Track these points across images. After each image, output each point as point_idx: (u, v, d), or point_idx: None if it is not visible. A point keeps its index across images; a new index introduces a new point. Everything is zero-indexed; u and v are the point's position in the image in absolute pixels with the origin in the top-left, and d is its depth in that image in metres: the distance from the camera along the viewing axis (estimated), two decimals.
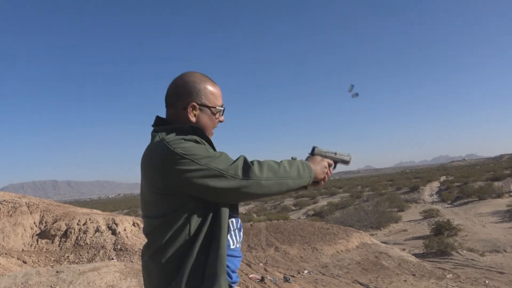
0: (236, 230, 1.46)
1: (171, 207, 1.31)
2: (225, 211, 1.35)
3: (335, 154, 1.67)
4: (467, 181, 37.50)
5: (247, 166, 1.30)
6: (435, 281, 8.48)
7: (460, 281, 8.71)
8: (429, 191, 37.87)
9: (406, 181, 48.88)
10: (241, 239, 1.51)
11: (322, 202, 38.77)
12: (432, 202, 31.60)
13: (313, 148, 1.63)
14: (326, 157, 1.63)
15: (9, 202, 9.44)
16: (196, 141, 1.34)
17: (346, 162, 1.72)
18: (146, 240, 1.44)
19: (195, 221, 1.31)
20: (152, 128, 1.45)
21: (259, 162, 1.34)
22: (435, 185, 41.56)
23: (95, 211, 11.46)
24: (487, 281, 8.88)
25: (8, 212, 8.97)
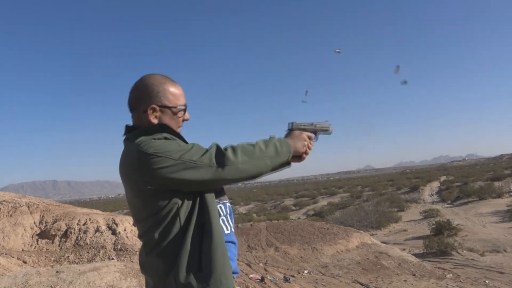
0: (228, 215, 1.48)
1: (158, 205, 1.33)
2: (211, 196, 1.38)
3: (312, 124, 1.65)
4: (467, 181, 37.50)
5: (220, 153, 1.33)
6: (435, 281, 8.48)
7: (460, 281, 8.71)
8: (429, 191, 37.87)
9: (406, 181, 48.88)
10: (233, 224, 1.52)
11: (322, 202, 38.77)
12: (432, 202, 31.60)
13: (290, 124, 1.61)
14: (304, 130, 1.61)
15: (9, 202, 9.44)
16: (166, 138, 1.36)
17: (326, 130, 1.69)
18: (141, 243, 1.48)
19: (184, 211, 1.33)
20: (124, 137, 1.47)
21: (233, 147, 1.36)
22: (435, 185, 41.57)
23: (95, 211, 11.46)
24: (487, 281, 8.88)
25: (8, 212, 8.98)
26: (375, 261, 10.03)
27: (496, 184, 32.26)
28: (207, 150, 1.33)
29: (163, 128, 1.41)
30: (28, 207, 9.40)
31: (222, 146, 1.39)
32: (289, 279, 7.63)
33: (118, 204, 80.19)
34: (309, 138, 1.60)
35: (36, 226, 8.92)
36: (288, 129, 1.61)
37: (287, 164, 1.53)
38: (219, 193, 1.47)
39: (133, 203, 1.40)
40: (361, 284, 7.98)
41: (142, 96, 1.43)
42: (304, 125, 1.62)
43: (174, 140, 1.37)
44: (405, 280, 8.40)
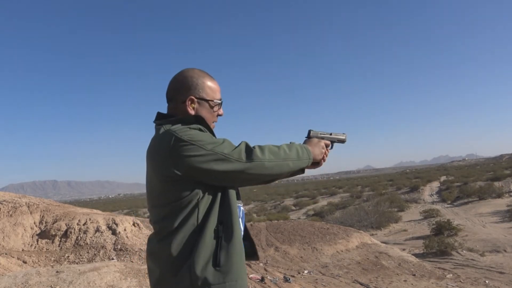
0: (241, 219, 1.51)
1: (180, 194, 1.36)
2: (233, 195, 1.43)
3: (331, 134, 1.76)
4: (467, 181, 37.49)
5: (249, 149, 1.39)
6: (435, 281, 8.48)
7: (460, 281, 8.71)
8: (429, 191, 37.87)
9: (406, 181, 48.86)
10: (243, 227, 1.56)
11: (322, 202, 38.76)
12: (432, 202, 31.60)
13: (309, 131, 1.71)
14: (322, 138, 1.71)
15: (9, 202, 9.44)
16: (200, 130, 1.41)
17: (342, 141, 1.81)
18: (147, 238, 1.50)
19: (203, 206, 1.36)
20: (155, 123, 1.51)
21: (260, 146, 1.43)
22: (435, 185, 41.56)
23: (95, 211, 11.46)
24: (487, 281, 8.88)
25: (8, 212, 8.98)
26: (375, 261, 10.02)
27: (496, 184, 32.25)
28: (237, 146, 1.39)
29: (198, 120, 1.47)
30: (28, 207, 9.39)
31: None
32: (289, 279, 7.63)
33: (118, 204, 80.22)
34: (326, 146, 1.70)
35: (36, 226, 8.92)
36: (307, 136, 1.71)
37: (301, 170, 1.60)
38: (237, 196, 1.50)
39: (153, 187, 1.43)
40: (361, 284, 7.98)
41: (181, 88, 1.50)
42: (322, 134, 1.73)
43: (207, 133, 1.43)
44: (405, 280, 8.40)
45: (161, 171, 1.37)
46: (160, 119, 1.50)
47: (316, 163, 1.65)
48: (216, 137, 1.46)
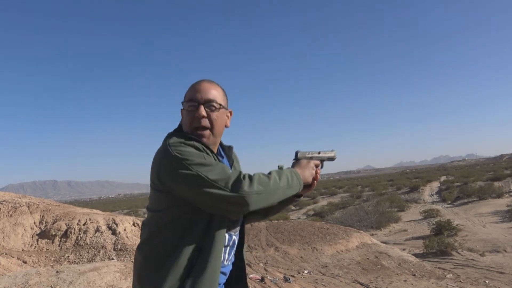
0: (228, 248, 1.48)
1: (163, 205, 1.38)
2: (221, 223, 1.38)
3: (319, 153, 1.67)
4: (467, 181, 37.47)
5: (238, 180, 1.32)
6: (435, 281, 8.48)
7: (460, 281, 8.71)
8: (429, 191, 37.85)
9: (406, 181, 48.85)
10: (230, 256, 1.52)
11: (322, 202, 38.77)
12: (432, 202, 31.58)
13: (296, 153, 1.63)
14: (311, 158, 1.63)
15: (9, 202, 9.44)
16: (196, 148, 1.38)
17: (332, 158, 1.73)
18: None
19: (181, 225, 1.35)
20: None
21: (250, 177, 1.36)
22: (435, 185, 41.55)
23: (95, 211, 11.47)
24: (487, 281, 8.88)
25: (8, 212, 8.98)
26: (375, 261, 10.02)
27: (496, 184, 32.22)
28: (228, 174, 1.34)
29: (178, 128, 1.51)
30: (28, 207, 9.40)
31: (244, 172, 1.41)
32: (289, 279, 7.63)
33: (118, 204, 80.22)
34: (316, 166, 1.62)
35: (36, 226, 8.92)
36: (295, 159, 1.62)
37: (297, 196, 1.56)
38: (231, 223, 1.47)
39: (150, 192, 1.46)
40: (361, 284, 7.98)
41: (226, 100, 1.56)
42: (310, 154, 1.64)
43: (202, 153, 1.38)
44: (405, 280, 8.40)
45: (151, 178, 1.41)
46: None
47: (308, 186, 1.58)
48: (217, 158, 1.44)
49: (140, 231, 9.46)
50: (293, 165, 1.59)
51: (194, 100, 1.47)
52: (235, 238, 1.53)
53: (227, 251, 1.48)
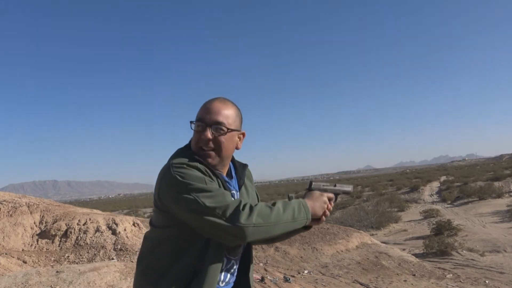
0: (224, 271, 1.47)
1: (162, 222, 1.40)
2: (219, 247, 1.37)
3: (335, 186, 1.59)
4: (467, 181, 37.47)
5: (237, 210, 1.29)
6: (435, 281, 8.48)
7: (460, 281, 8.71)
8: (429, 191, 37.85)
9: (406, 181, 48.83)
10: (227, 279, 1.49)
11: None
12: (432, 202, 31.58)
13: (310, 183, 1.55)
14: (325, 190, 1.55)
15: (9, 202, 9.44)
16: (199, 170, 1.36)
17: (347, 193, 1.65)
18: None
19: (179, 243, 1.36)
20: None
21: (251, 208, 1.31)
22: (435, 185, 41.54)
23: (95, 211, 11.47)
24: (487, 281, 8.88)
25: (8, 212, 8.98)
26: (375, 261, 10.02)
27: (496, 184, 32.22)
28: (227, 203, 1.31)
29: (185, 147, 1.50)
30: (28, 207, 9.40)
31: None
32: (289, 279, 7.63)
33: (118, 204, 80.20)
34: (329, 199, 1.53)
35: (36, 226, 8.92)
36: (308, 188, 1.55)
37: (305, 228, 1.50)
38: (233, 249, 1.46)
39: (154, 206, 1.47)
40: (361, 284, 7.98)
41: (239, 122, 1.50)
42: (325, 186, 1.56)
43: (204, 177, 1.36)
44: (405, 280, 8.40)
45: (154, 193, 1.42)
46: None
47: (316, 219, 1.49)
48: (223, 184, 1.42)
49: (140, 231, 9.46)
50: (305, 196, 1.53)
51: (202, 121, 1.43)
52: (234, 262, 1.51)
53: (223, 274, 1.46)
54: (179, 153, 1.44)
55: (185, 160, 1.36)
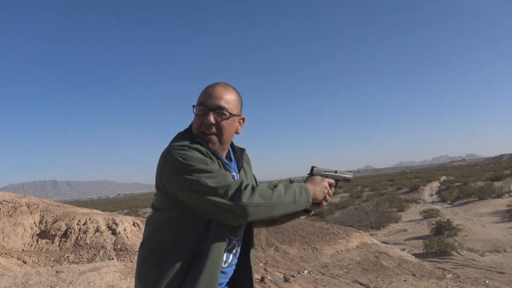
0: (227, 251, 1.48)
1: (163, 204, 1.41)
2: (221, 227, 1.39)
3: (336, 172, 1.63)
4: (467, 181, 37.44)
5: (238, 190, 1.31)
6: (435, 281, 8.48)
7: (460, 281, 8.71)
8: (429, 191, 37.82)
9: (406, 181, 48.79)
10: (229, 260, 1.50)
11: None
12: (432, 202, 31.57)
13: (312, 168, 1.59)
14: (326, 176, 1.58)
15: (9, 202, 9.44)
16: (200, 152, 1.38)
17: (348, 180, 1.70)
18: None
19: (178, 227, 1.37)
20: None
21: (252, 188, 1.34)
22: (435, 185, 41.51)
23: (95, 211, 11.47)
24: (487, 281, 8.88)
25: (8, 212, 8.97)
26: (375, 261, 10.02)
27: (496, 184, 32.19)
28: (229, 183, 1.33)
29: (186, 130, 1.51)
30: (28, 207, 9.39)
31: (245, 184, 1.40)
32: (289, 279, 7.63)
33: (118, 204, 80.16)
34: (330, 185, 1.57)
35: (36, 226, 8.92)
36: (310, 173, 1.59)
37: (305, 211, 1.53)
38: (234, 229, 1.48)
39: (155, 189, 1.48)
40: (361, 284, 7.98)
41: (240, 106, 1.52)
42: (326, 171, 1.60)
43: (205, 158, 1.38)
44: (405, 280, 8.40)
45: (155, 178, 1.42)
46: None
47: (317, 203, 1.53)
48: (223, 164, 1.44)
49: (140, 231, 9.47)
50: (306, 180, 1.56)
51: (204, 105, 1.45)
52: (236, 242, 1.52)
53: (225, 255, 1.47)
54: (180, 136, 1.45)
55: (187, 143, 1.39)
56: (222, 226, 1.38)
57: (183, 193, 1.33)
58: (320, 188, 1.52)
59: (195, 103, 1.49)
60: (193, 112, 1.48)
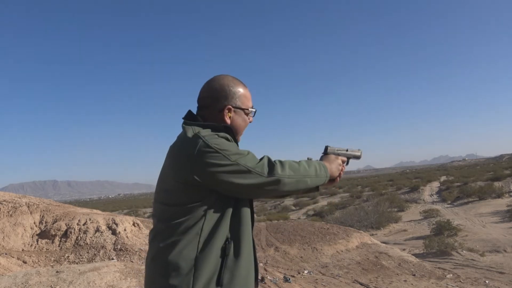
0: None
1: (190, 199, 1.35)
2: (247, 213, 1.43)
3: (347, 150, 1.76)
4: (467, 181, 37.44)
5: (271, 164, 1.39)
6: (435, 281, 8.48)
7: (460, 281, 8.71)
8: (429, 191, 37.82)
9: (406, 181, 48.80)
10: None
11: (322, 202, 38.74)
12: (432, 202, 31.57)
13: (326, 147, 1.72)
14: (339, 154, 1.72)
15: (9, 202, 9.44)
16: (228, 139, 1.42)
17: (357, 157, 1.82)
18: (148, 236, 1.49)
19: (210, 218, 1.35)
20: (184, 121, 1.53)
21: (281, 162, 1.43)
22: (435, 185, 41.52)
23: (95, 211, 11.47)
24: (487, 281, 8.88)
25: (8, 212, 8.97)
26: (375, 261, 10.02)
27: (496, 184, 32.19)
28: (260, 159, 1.40)
29: (227, 129, 1.49)
30: (28, 207, 9.39)
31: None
32: (289, 279, 7.63)
33: (118, 204, 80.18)
34: (342, 162, 1.71)
35: (36, 226, 8.92)
36: (324, 153, 1.72)
37: (315, 188, 1.61)
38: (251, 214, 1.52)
39: (168, 185, 1.40)
40: (361, 284, 7.98)
41: (219, 97, 1.52)
42: (339, 150, 1.74)
43: (233, 143, 1.44)
44: (405, 280, 8.40)
45: (180, 172, 1.35)
46: (189, 118, 1.54)
47: (332, 180, 1.66)
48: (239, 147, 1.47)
49: (140, 231, 9.45)
50: (321, 159, 1.68)
51: (253, 106, 1.60)
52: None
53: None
54: (200, 127, 1.45)
55: (213, 132, 1.42)
56: (247, 212, 1.44)
57: (222, 181, 1.33)
58: (335, 165, 1.65)
59: (195, 102, 1.56)
60: (252, 114, 1.60)
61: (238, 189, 1.35)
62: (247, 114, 1.58)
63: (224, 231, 1.35)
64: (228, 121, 1.52)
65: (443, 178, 47.21)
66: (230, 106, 1.52)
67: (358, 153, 1.80)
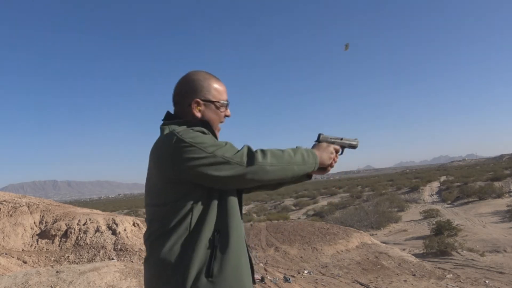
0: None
1: (175, 196, 1.35)
2: (234, 203, 1.42)
3: (342, 139, 1.67)
4: (467, 181, 37.44)
5: (251, 153, 1.36)
6: (435, 281, 8.48)
7: (460, 281, 8.71)
8: (429, 191, 37.83)
9: (406, 181, 48.81)
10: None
11: (322, 202, 38.74)
12: (432, 202, 31.58)
13: (319, 135, 1.64)
14: (332, 143, 1.64)
15: (9, 202, 9.44)
16: (203, 132, 1.40)
17: (353, 147, 1.72)
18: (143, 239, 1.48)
19: (198, 211, 1.35)
20: (162, 123, 1.53)
21: (263, 150, 1.40)
22: (435, 185, 41.53)
23: (95, 211, 11.46)
24: (487, 281, 8.88)
25: (8, 212, 8.97)
26: (375, 261, 10.02)
27: (496, 184, 32.18)
28: (239, 150, 1.38)
29: (204, 123, 1.48)
30: (28, 207, 9.39)
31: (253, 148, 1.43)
32: (289, 279, 7.63)
33: (118, 204, 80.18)
34: (336, 151, 1.62)
35: (36, 226, 8.92)
36: (317, 140, 1.64)
37: (308, 177, 1.58)
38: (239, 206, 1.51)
39: (154, 187, 1.41)
40: (361, 284, 7.98)
41: (187, 91, 1.51)
42: (332, 138, 1.65)
43: (209, 135, 1.42)
44: (405, 280, 8.40)
45: (161, 171, 1.36)
46: (168, 119, 1.53)
47: (323, 169, 1.59)
48: (218, 140, 1.45)
49: (140, 231, 9.45)
50: (313, 147, 1.61)
51: (227, 100, 1.56)
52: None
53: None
54: (175, 125, 1.45)
55: (187, 127, 1.41)
56: (235, 202, 1.43)
57: (201, 173, 1.31)
58: (326, 153, 1.59)
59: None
60: (226, 107, 1.56)
61: (219, 181, 1.34)
62: (218, 108, 1.53)
63: (212, 223, 1.34)
64: (198, 114, 1.49)
65: (443, 178, 47.21)
66: (198, 100, 1.49)
67: (354, 142, 1.71)
